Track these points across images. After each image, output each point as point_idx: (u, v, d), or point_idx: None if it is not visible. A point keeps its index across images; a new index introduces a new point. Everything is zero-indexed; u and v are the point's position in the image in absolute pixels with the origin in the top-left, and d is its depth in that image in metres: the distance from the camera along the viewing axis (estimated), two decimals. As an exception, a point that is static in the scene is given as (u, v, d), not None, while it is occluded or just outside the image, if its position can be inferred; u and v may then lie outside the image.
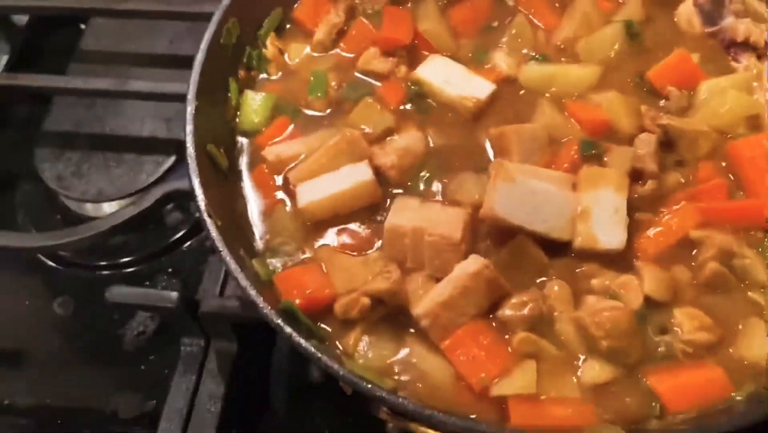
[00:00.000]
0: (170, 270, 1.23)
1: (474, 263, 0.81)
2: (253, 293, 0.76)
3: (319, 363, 0.72)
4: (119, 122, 1.31)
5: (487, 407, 0.77)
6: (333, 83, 1.02)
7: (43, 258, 1.26)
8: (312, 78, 1.02)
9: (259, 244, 0.91)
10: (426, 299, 0.81)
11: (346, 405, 1.07)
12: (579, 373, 0.79)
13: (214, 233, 0.81)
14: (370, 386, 0.70)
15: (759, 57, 0.98)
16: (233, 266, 0.78)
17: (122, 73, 1.31)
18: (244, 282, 0.78)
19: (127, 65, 1.38)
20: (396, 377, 0.79)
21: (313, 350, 0.73)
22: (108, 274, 1.24)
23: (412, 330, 0.83)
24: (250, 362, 1.08)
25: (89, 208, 1.29)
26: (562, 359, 0.80)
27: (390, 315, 0.83)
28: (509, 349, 0.80)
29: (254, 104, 1.01)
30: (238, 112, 1.02)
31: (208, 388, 1.01)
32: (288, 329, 0.74)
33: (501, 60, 1.03)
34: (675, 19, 1.05)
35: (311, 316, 0.82)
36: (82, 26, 1.48)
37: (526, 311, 0.80)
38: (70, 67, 1.39)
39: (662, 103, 0.97)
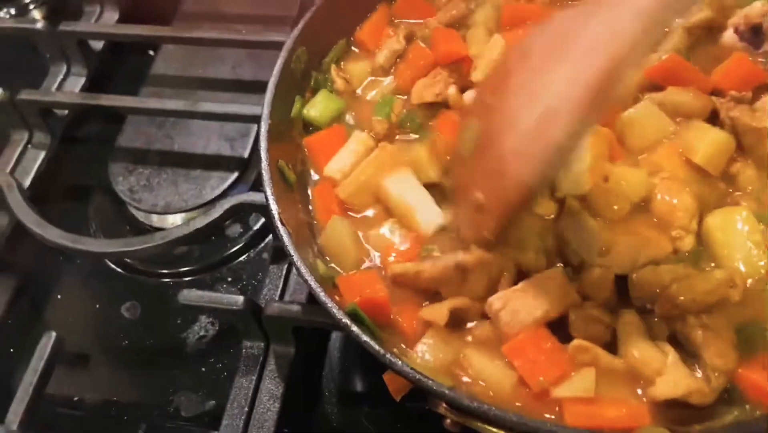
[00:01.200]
0: (229, 279, 1.31)
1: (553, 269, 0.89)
2: (322, 294, 0.84)
3: (383, 359, 0.78)
4: (187, 141, 1.42)
5: (543, 409, 0.82)
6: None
7: (112, 266, 1.35)
8: (380, 100, 1.10)
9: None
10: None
11: (393, 412, 1.13)
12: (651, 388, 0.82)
13: (287, 240, 0.88)
14: (431, 381, 0.76)
15: None
16: (304, 270, 0.86)
17: (190, 95, 1.42)
18: (314, 285, 0.85)
19: (193, 89, 1.49)
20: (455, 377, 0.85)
21: (377, 347, 0.79)
22: (172, 282, 1.32)
23: (470, 338, 0.89)
24: (304, 365, 1.15)
25: (155, 220, 1.38)
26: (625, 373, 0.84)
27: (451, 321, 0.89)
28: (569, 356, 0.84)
29: (323, 100, 1.12)
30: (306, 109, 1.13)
31: (267, 388, 1.07)
32: (355, 328, 0.81)
33: None
34: (721, 44, 1.10)
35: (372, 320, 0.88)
36: (152, 53, 1.61)
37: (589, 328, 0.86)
38: (141, 90, 1.51)
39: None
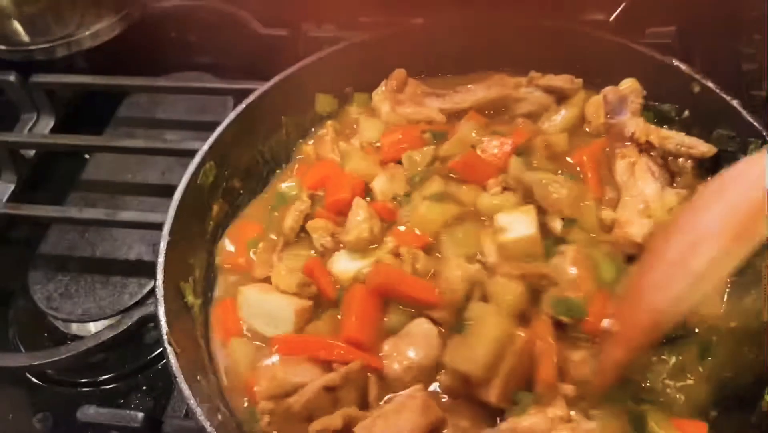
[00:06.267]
0: (144, 388, 1.29)
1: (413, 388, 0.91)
2: (205, 421, 0.84)
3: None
4: (108, 247, 1.43)
5: None
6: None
7: (27, 375, 1.33)
8: None
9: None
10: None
11: None
12: None
13: (172, 360, 0.89)
14: None
15: (640, 151, 1.15)
16: (187, 391, 0.86)
17: (117, 201, 1.46)
18: (197, 409, 0.85)
19: (122, 194, 1.52)
20: None
21: None
22: (87, 391, 1.30)
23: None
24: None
25: (74, 328, 1.37)
26: None
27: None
28: None
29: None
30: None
31: None
32: None
33: None
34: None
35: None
36: (87, 156, 1.64)
37: None
38: (70, 196, 1.54)
39: None
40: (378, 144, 1.27)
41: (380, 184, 1.19)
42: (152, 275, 1.36)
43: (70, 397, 1.30)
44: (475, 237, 1.08)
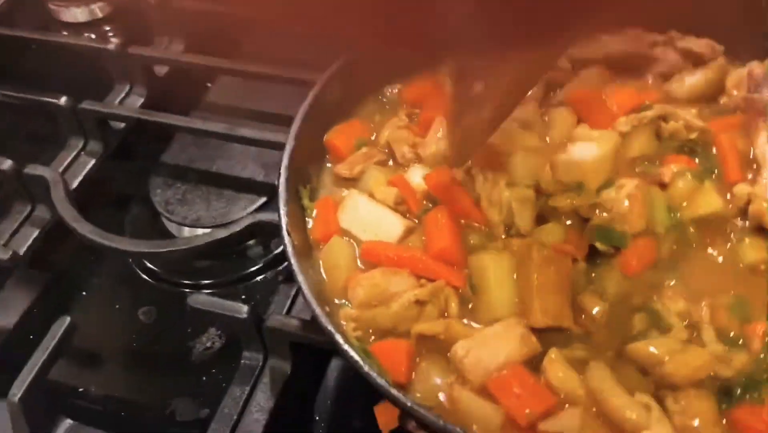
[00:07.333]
0: (243, 297, 1.35)
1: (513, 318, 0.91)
2: (317, 309, 0.87)
3: (375, 383, 0.81)
4: (225, 163, 1.50)
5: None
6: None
7: (138, 271, 1.42)
8: None
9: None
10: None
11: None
12: None
13: (289, 248, 0.93)
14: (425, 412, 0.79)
15: None
16: (301, 277, 0.90)
17: (235, 123, 1.52)
18: (310, 298, 0.88)
19: (241, 118, 1.58)
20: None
21: (366, 369, 0.82)
22: (190, 292, 1.38)
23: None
24: (299, 385, 1.17)
25: (185, 233, 1.45)
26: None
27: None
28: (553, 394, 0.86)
29: None
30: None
31: (258, 400, 1.10)
32: (351, 352, 0.84)
33: None
34: None
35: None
36: (209, 85, 1.73)
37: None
38: (192, 114, 1.62)
39: None
40: None
41: None
42: (262, 194, 1.45)
43: (174, 295, 1.38)
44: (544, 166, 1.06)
